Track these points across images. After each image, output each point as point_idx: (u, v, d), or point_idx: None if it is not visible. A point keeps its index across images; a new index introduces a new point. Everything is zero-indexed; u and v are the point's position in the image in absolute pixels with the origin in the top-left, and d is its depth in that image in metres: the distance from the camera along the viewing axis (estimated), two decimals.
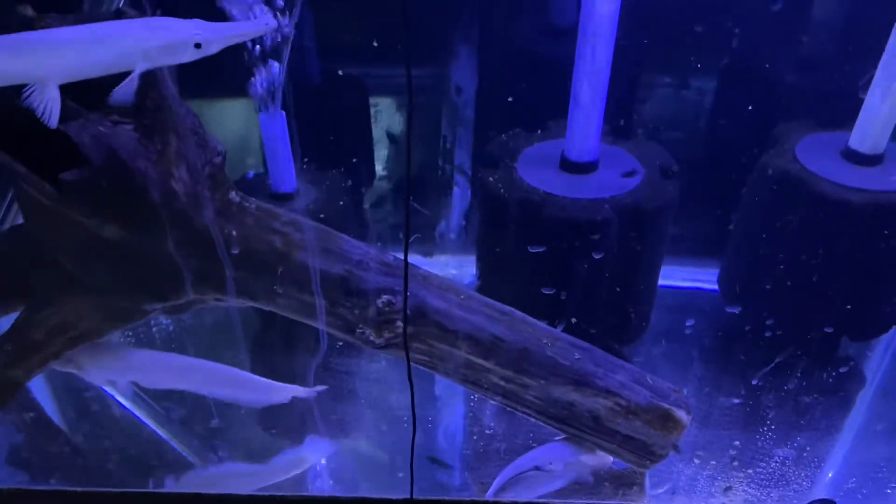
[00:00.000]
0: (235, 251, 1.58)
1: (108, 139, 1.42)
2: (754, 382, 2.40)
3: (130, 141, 1.44)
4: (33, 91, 1.26)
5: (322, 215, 2.36)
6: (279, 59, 2.06)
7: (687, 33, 2.52)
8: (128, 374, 1.82)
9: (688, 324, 2.65)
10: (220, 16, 1.35)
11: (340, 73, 2.80)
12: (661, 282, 2.57)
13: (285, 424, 2.23)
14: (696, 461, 2.12)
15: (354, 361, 2.46)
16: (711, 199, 2.64)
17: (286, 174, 2.39)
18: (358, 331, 1.65)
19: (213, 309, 1.82)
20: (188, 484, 2.07)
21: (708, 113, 2.84)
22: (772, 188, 2.38)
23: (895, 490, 2.10)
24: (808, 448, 2.21)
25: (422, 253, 2.79)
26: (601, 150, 2.37)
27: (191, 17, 1.31)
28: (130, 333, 2.48)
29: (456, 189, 2.94)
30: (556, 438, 1.88)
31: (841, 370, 2.49)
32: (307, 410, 2.02)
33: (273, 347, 2.49)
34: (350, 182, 2.61)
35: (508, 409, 1.80)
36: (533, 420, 1.81)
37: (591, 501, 1.86)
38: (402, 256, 1.64)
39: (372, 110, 2.95)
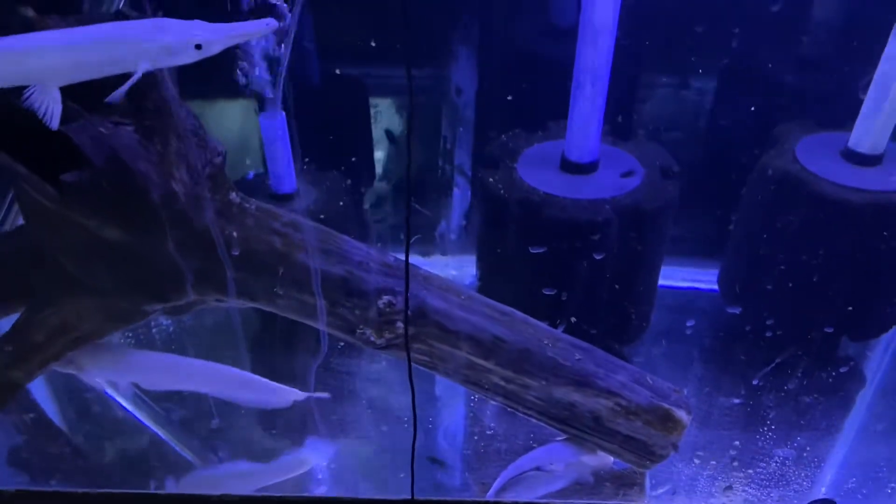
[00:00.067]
0: (236, 252, 1.58)
1: (109, 140, 1.42)
2: (755, 382, 2.40)
3: (131, 142, 1.44)
4: (34, 92, 1.26)
5: (322, 216, 2.37)
6: (279, 60, 2.06)
7: (687, 33, 2.52)
8: (128, 375, 1.83)
9: (688, 324, 2.65)
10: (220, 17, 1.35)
11: (340, 73, 2.80)
12: (660, 282, 2.57)
13: (286, 425, 2.22)
14: (697, 461, 2.12)
15: (355, 362, 2.46)
16: (711, 199, 2.64)
17: (286, 175, 2.39)
18: (358, 331, 1.65)
19: (213, 310, 1.82)
20: (188, 485, 2.07)
21: (708, 113, 2.84)
22: (772, 188, 2.38)
23: (895, 490, 2.10)
24: (808, 448, 2.21)
25: (421, 253, 2.79)
26: (601, 151, 2.37)
27: (191, 19, 1.31)
28: (130, 334, 2.48)
29: (456, 190, 2.94)
30: (557, 439, 1.88)
31: (841, 370, 2.50)
32: (307, 411, 2.02)
33: (273, 348, 2.49)
34: (350, 182, 2.61)
35: (509, 409, 1.80)
36: (534, 420, 1.81)
37: (591, 502, 1.87)
38: (402, 257, 1.64)
39: (372, 111, 2.95)
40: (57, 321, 1.68)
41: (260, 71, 2.00)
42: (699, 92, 2.83)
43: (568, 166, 2.36)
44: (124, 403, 2.26)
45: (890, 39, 2.12)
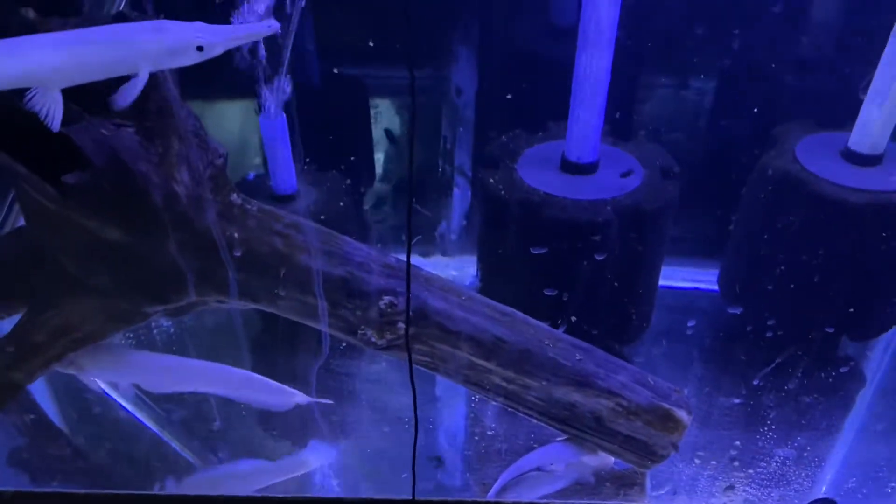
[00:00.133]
0: (237, 253, 1.58)
1: (110, 142, 1.43)
2: (755, 382, 2.40)
3: (132, 143, 1.44)
4: (36, 94, 1.26)
5: (322, 217, 2.37)
6: (280, 62, 2.06)
7: (687, 34, 2.52)
8: (129, 375, 1.83)
9: (689, 324, 2.65)
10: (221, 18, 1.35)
11: (340, 73, 2.80)
12: (661, 282, 2.57)
13: (286, 426, 2.23)
14: (697, 461, 2.12)
15: (355, 363, 2.47)
16: (711, 199, 2.65)
17: (286, 176, 2.39)
18: (360, 332, 1.65)
19: (214, 311, 1.82)
20: (189, 485, 2.07)
21: (708, 113, 2.84)
22: (771, 188, 2.38)
23: (895, 489, 2.10)
24: (808, 448, 2.21)
25: (422, 254, 2.79)
26: (601, 151, 2.37)
27: (193, 20, 1.31)
28: (131, 335, 2.48)
29: (456, 190, 2.94)
30: (558, 439, 1.88)
31: (841, 370, 2.50)
32: (308, 412, 2.01)
33: (274, 349, 2.49)
34: (350, 183, 2.62)
35: (510, 409, 1.80)
36: (534, 421, 1.81)
37: (592, 502, 1.87)
38: (403, 258, 1.64)
39: (372, 111, 2.96)
40: (58, 322, 1.68)
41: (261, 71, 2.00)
42: (699, 92, 2.83)
43: (568, 167, 2.36)
44: (125, 404, 2.26)
45: (890, 40, 2.12)
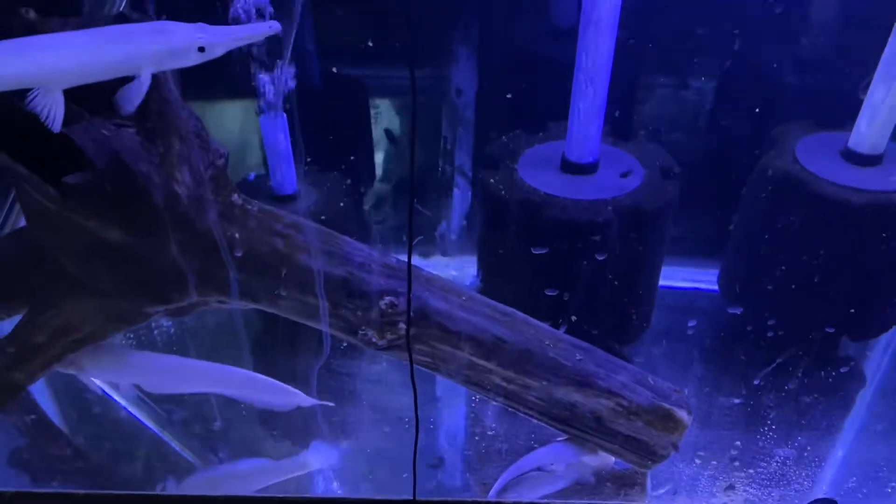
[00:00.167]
0: (238, 253, 1.58)
1: (111, 142, 1.43)
2: (756, 382, 2.40)
3: (133, 144, 1.44)
4: (37, 95, 1.26)
5: (323, 217, 2.37)
6: (280, 62, 2.07)
7: (687, 34, 2.53)
8: (130, 376, 1.83)
9: (690, 324, 2.65)
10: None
11: (340, 74, 2.80)
12: (661, 282, 2.57)
13: (287, 426, 2.23)
14: (698, 461, 2.13)
15: (355, 363, 2.47)
16: (711, 199, 2.65)
17: (287, 176, 2.39)
18: (360, 332, 1.65)
19: (214, 311, 1.82)
20: (190, 486, 2.07)
21: (708, 113, 2.84)
22: (771, 188, 2.38)
23: (895, 489, 2.10)
24: (808, 448, 2.22)
25: (422, 254, 2.79)
26: (602, 152, 2.37)
27: (194, 21, 1.31)
28: (131, 335, 2.48)
29: (456, 190, 2.94)
30: (558, 439, 1.88)
31: (842, 370, 2.50)
32: (309, 412, 2.01)
33: (274, 349, 2.49)
34: (350, 183, 2.62)
35: (510, 410, 1.81)
36: (535, 421, 1.81)
37: (593, 502, 1.87)
38: (403, 258, 1.65)
39: (372, 112, 2.96)
40: (58, 322, 1.68)
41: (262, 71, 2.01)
42: (699, 92, 2.83)
43: (568, 167, 2.36)
44: (125, 404, 2.26)
45: (890, 39, 2.12)
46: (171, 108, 1.48)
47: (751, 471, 2.12)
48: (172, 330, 2.55)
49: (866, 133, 2.29)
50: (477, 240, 2.70)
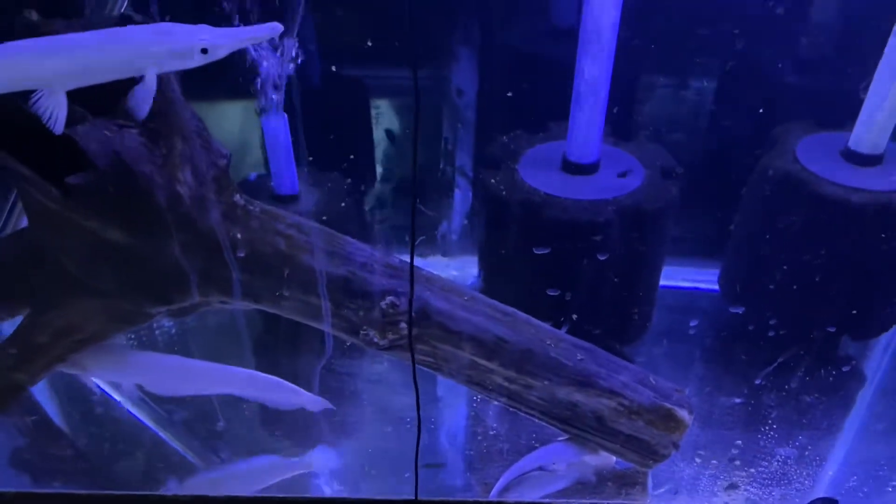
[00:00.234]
0: (241, 254, 1.58)
1: (114, 143, 1.43)
2: (757, 382, 2.41)
3: (136, 145, 1.45)
4: (41, 97, 1.26)
5: (324, 217, 2.37)
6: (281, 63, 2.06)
7: (688, 34, 2.53)
8: (132, 376, 1.83)
9: (692, 324, 2.66)
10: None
11: (341, 74, 2.80)
12: (661, 282, 2.57)
13: (288, 426, 2.23)
14: (699, 460, 2.13)
15: (356, 363, 2.47)
16: (712, 199, 2.65)
17: (288, 176, 2.40)
18: (362, 332, 1.66)
19: (216, 311, 1.82)
20: (191, 486, 2.07)
21: (708, 113, 2.84)
22: (772, 188, 2.38)
23: None
24: (809, 447, 2.22)
25: (421, 254, 2.79)
26: (602, 152, 2.37)
27: (197, 22, 1.31)
28: (133, 336, 2.48)
29: (457, 191, 2.94)
30: (559, 439, 1.88)
31: (842, 369, 2.50)
32: (310, 412, 2.01)
33: (276, 350, 2.49)
34: (351, 184, 2.62)
35: (511, 409, 1.81)
36: (536, 421, 1.81)
37: (594, 501, 1.87)
38: (404, 258, 1.65)
39: (373, 112, 2.96)
40: (61, 323, 1.68)
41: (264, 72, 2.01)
42: (699, 92, 2.84)
43: (569, 167, 2.36)
44: (126, 404, 2.26)
45: (890, 39, 2.12)
46: (174, 108, 1.48)
47: (752, 470, 2.12)
48: (174, 330, 2.55)
49: (866, 133, 2.30)
50: (478, 240, 2.71)
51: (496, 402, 1.81)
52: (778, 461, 2.16)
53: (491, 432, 2.23)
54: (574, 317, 2.33)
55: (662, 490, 2.02)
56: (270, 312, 1.71)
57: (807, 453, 2.20)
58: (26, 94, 1.27)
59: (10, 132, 1.39)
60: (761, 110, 2.62)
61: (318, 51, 2.69)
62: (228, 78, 2.07)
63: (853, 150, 2.34)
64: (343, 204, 2.51)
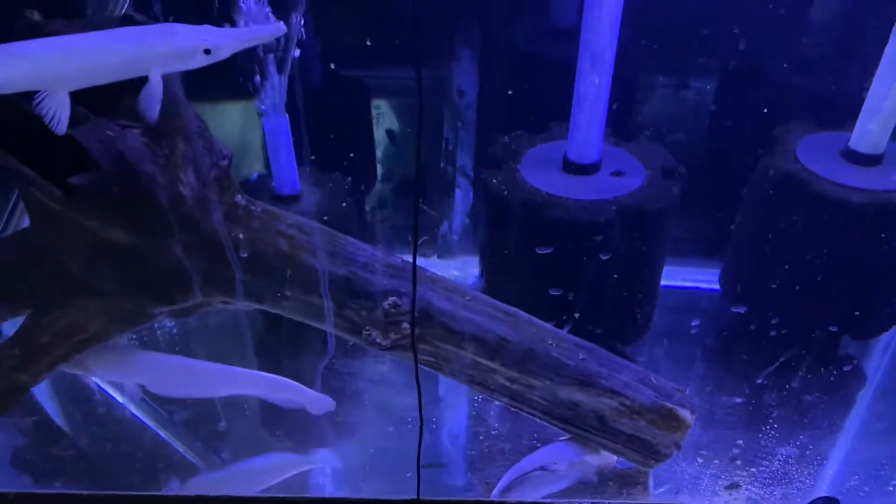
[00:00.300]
0: (243, 254, 1.58)
1: (116, 143, 1.43)
2: (759, 382, 2.41)
3: (138, 145, 1.44)
4: (44, 97, 1.26)
5: (325, 217, 2.37)
6: (283, 63, 2.07)
7: (688, 35, 2.53)
8: (135, 376, 1.83)
9: (693, 324, 2.66)
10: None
11: (342, 74, 2.80)
12: (662, 282, 2.57)
13: (290, 426, 2.23)
14: (700, 460, 2.13)
15: (358, 362, 2.47)
16: (712, 199, 2.65)
17: (289, 176, 2.40)
18: (364, 332, 1.66)
19: (217, 311, 1.82)
20: (192, 486, 2.07)
21: (709, 114, 2.85)
22: (773, 188, 2.39)
23: None
24: (810, 446, 2.22)
25: (423, 254, 2.79)
26: (603, 152, 2.38)
27: (201, 23, 1.32)
28: (134, 336, 2.48)
29: (458, 191, 2.94)
30: (561, 438, 1.88)
31: (844, 369, 2.51)
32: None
33: (277, 350, 2.49)
34: (352, 184, 2.62)
35: (513, 409, 1.81)
36: (538, 420, 1.81)
37: (595, 501, 1.87)
38: (405, 258, 1.65)
39: (373, 112, 2.96)
40: (63, 323, 1.68)
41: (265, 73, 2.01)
42: (700, 92, 2.84)
43: (570, 167, 2.36)
44: (127, 405, 2.26)
45: (890, 39, 2.12)
46: (176, 108, 1.48)
47: (753, 469, 2.12)
48: (175, 330, 2.55)
49: (867, 133, 2.30)
50: (479, 240, 2.71)
51: (498, 402, 1.81)
52: (779, 460, 2.16)
53: (492, 432, 2.24)
54: (576, 316, 2.33)
55: (663, 489, 2.02)
56: (272, 313, 1.71)
57: (808, 453, 2.20)
58: (29, 95, 1.27)
59: (13, 132, 1.39)
60: (762, 110, 2.63)
61: (319, 51, 2.69)
62: (230, 78, 2.08)
63: (853, 149, 2.34)
64: (344, 204, 2.51)
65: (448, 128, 2.92)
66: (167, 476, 2.10)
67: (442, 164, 2.94)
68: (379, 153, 3.02)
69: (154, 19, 1.40)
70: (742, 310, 2.57)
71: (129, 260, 1.56)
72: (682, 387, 1.84)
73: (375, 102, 2.94)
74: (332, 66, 2.76)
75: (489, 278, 2.63)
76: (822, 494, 2.05)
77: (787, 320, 2.46)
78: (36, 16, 1.45)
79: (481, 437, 2.24)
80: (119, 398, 2.26)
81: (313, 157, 2.55)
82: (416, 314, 1.62)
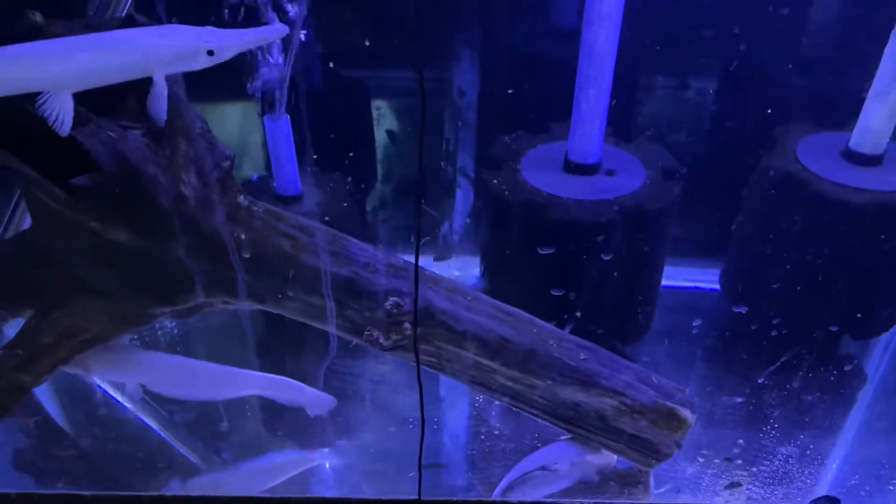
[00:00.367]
0: (245, 255, 1.59)
1: (118, 144, 1.43)
2: (760, 381, 2.41)
3: (140, 146, 1.45)
4: (47, 99, 1.27)
5: (327, 217, 2.37)
6: (283, 63, 2.07)
7: (689, 35, 2.53)
8: (137, 376, 1.83)
9: (695, 324, 2.66)
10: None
11: (343, 75, 2.80)
12: (663, 282, 2.58)
13: (291, 426, 2.23)
14: (701, 459, 2.13)
15: (360, 363, 2.47)
16: (713, 200, 2.66)
17: (291, 177, 2.40)
18: (366, 333, 1.66)
19: (218, 312, 1.82)
20: (193, 486, 2.07)
21: (710, 114, 2.85)
22: (773, 189, 2.39)
23: None
24: (811, 446, 2.22)
25: (424, 255, 2.79)
26: (604, 152, 2.38)
27: (204, 24, 1.32)
28: (135, 336, 2.48)
29: (459, 191, 2.94)
30: (562, 438, 1.89)
31: (844, 368, 2.51)
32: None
33: (280, 350, 2.49)
34: (353, 184, 2.62)
35: (515, 409, 1.81)
36: (539, 420, 1.82)
37: (596, 501, 1.87)
38: (407, 258, 1.65)
39: (374, 113, 2.96)
40: (65, 324, 1.68)
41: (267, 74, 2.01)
42: (700, 93, 2.84)
43: (571, 168, 2.37)
44: (128, 405, 2.26)
45: (890, 39, 2.13)
46: (178, 109, 1.48)
47: (754, 469, 2.13)
48: (176, 331, 2.55)
49: (867, 133, 2.30)
50: (480, 240, 2.71)
51: (499, 402, 1.81)
52: (780, 460, 2.17)
53: (494, 432, 2.24)
54: (577, 316, 2.33)
55: (664, 489, 2.02)
56: (274, 313, 1.71)
57: (808, 452, 2.21)
58: (32, 97, 1.27)
59: (15, 133, 1.39)
60: (762, 110, 2.63)
61: (320, 51, 2.70)
62: (231, 79, 2.08)
63: (854, 150, 2.34)
64: (345, 204, 2.51)
65: (449, 128, 2.92)
66: (168, 476, 2.10)
67: (443, 165, 2.95)
68: (379, 153, 3.02)
69: (156, 20, 1.40)
70: (743, 310, 2.57)
71: (131, 260, 1.56)
72: (683, 386, 1.84)
73: (376, 103, 2.94)
74: (333, 66, 2.76)
75: (490, 279, 2.63)
76: (823, 494, 2.06)
77: (788, 320, 2.46)
78: (38, 17, 1.45)
79: (482, 437, 2.24)
80: (120, 399, 2.26)
81: (314, 158, 2.55)
82: (417, 314, 1.63)
